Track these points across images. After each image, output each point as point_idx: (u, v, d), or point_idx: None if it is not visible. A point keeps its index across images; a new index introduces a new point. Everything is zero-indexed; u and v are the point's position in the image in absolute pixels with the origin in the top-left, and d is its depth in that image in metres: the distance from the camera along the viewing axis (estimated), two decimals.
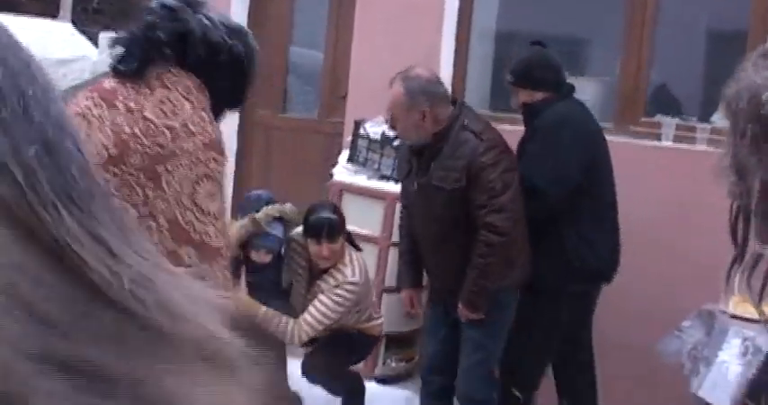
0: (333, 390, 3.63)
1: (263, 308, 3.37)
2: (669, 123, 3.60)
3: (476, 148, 2.88)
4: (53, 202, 0.28)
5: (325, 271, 3.39)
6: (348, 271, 3.36)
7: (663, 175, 3.50)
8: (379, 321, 3.57)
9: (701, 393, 2.64)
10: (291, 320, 3.37)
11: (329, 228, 3.31)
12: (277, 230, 3.42)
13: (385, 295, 4.07)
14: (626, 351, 3.42)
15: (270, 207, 3.46)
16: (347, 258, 3.39)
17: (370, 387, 3.88)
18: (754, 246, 0.83)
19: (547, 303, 3.04)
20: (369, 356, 3.75)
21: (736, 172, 0.80)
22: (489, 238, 2.86)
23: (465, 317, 2.96)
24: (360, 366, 3.72)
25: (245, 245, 3.42)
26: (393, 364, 4.04)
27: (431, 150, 2.96)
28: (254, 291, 3.45)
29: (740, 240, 0.83)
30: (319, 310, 3.32)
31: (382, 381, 3.97)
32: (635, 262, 3.22)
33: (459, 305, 2.95)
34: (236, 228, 3.36)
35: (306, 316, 3.35)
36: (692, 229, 3.33)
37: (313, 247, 3.36)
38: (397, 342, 3.90)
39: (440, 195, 2.94)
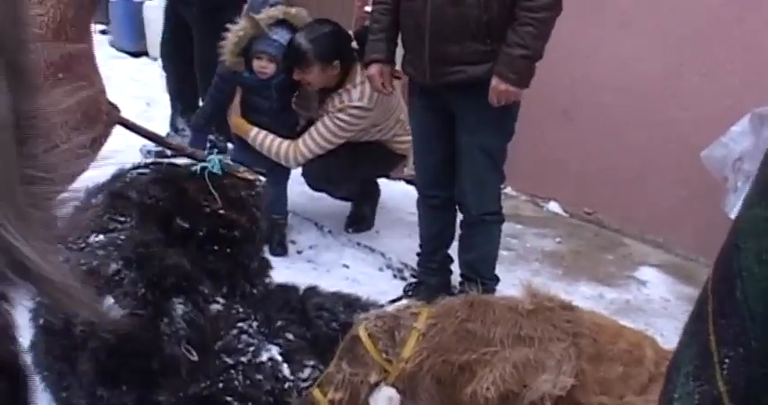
0: (340, 196, 3.47)
1: (254, 129, 3.13)
2: None
3: None
4: None
5: (334, 89, 3.10)
6: (355, 93, 3.05)
7: None
8: (405, 138, 3.31)
9: (734, 216, 2.31)
10: (286, 142, 3.11)
11: (296, 55, 2.98)
12: (281, 36, 3.04)
13: None
14: (671, 159, 3.22)
15: (273, 8, 3.12)
16: (357, 78, 3.06)
17: (399, 187, 3.77)
18: None
19: None
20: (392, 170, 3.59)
21: None
22: None
23: (500, 95, 2.39)
24: None
25: (246, 53, 3.11)
26: None
27: None
28: (251, 112, 3.16)
29: None
30: (320, 133, 3.07)
31: (411, 182, 3.81)
32: (686, 52, 2.95)
33: (495, 80, 2.37)
34: (234, 31, 3.05)
35: (305, 137, 3.10)
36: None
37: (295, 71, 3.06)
38: None
39: None
